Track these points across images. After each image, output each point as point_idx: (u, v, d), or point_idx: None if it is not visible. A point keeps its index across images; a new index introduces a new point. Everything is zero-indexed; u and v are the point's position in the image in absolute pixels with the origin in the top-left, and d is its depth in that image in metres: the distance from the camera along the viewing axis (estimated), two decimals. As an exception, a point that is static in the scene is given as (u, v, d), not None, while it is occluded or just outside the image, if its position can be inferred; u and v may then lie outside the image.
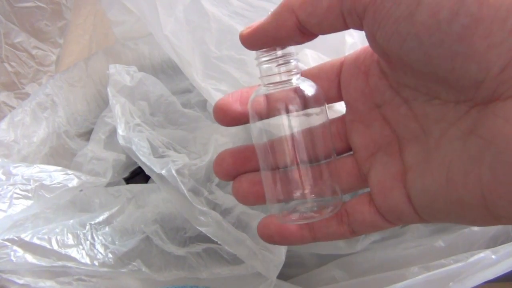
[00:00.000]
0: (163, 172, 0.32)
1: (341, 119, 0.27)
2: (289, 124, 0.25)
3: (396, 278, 0.33)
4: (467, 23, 0.17)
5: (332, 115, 0.27)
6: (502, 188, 0.18)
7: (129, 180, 0.48)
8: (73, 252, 0.31)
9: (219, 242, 0.31)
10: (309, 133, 0.25)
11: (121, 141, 0.35)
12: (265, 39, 0.24)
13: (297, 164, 0.25)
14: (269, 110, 0.25)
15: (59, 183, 0.34)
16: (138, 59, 0.53)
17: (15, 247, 0.30)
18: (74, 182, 0.34)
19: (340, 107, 0.29)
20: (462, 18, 0.17)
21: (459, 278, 0.29)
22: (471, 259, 0.30)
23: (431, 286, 0.29)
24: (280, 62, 0.24)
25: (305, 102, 0.24)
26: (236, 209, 0.34)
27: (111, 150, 0.43)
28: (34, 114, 0.44)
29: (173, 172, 0.32)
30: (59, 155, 0.45)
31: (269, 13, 0.23)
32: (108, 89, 0.38)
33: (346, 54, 0.28)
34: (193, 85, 0.37)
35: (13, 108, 0.47)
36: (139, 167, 0.47)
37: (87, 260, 0.31)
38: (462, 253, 0.33)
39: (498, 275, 0.29)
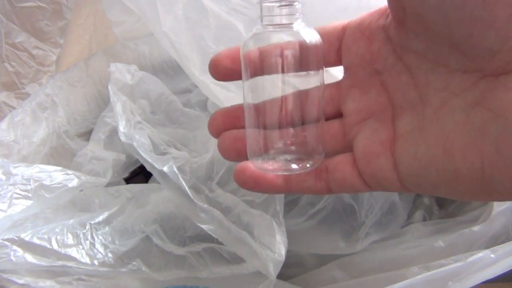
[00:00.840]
0: (165, 168, 0.32)
1: (336, 84, 0.27)
2: (283, 77, 0.24)
3: (396, 278, 0.33)
4: None
5: (327, 80, 0.26)
6: (504, 163, 0.18)
7: (129, 180, 0.48)
8: (73, 252, 0.31)
9: (219, 240, 0.32)
10: (302, 92, 0.24)
11: (122, 138, 0.35)
12: None
13: (284, 122, 0.24)
14: (264, 55, 0.24)
15: (59, 183, 0.34)
16: (138, 59, 0.53)
17: (15, 247, 0.30)
18: (74, 182, 0.35)
19: (335, 73, 0.28)
20: None
21: (459, 277, 0.29)
22: (470, 259, 0.30)
23: (431, 286, 0.30)
24: (284, 2, 0.23)
25: (304, 50, 0.23)
26: (236, 208, 0.34)
27: (111, 150, 0.43)
28: (34, 114, 0.44)
29: (175, 169, 0.32)
30: (59, 155, 0.45)
31: None
32: (109, 87, 0.38)
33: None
34: (192, 80, 0.37)
35: (13, 108, 0.47)
36: (139, 167, 0.47)
37: (87, 259, 0.31)
38: (462, 253, 0.33)
39: (497, 274, 0.29)
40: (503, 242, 0.34)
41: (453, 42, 0.20)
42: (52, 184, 0.34)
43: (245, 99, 0.25)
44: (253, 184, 0.26)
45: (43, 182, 0.34)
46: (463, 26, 0.18)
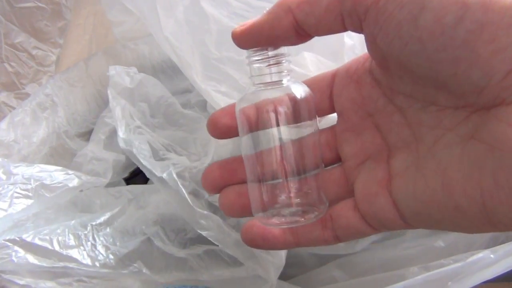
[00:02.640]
0: (164, 175, 0.32)
1: (331, 129, 0.27)
2: (278, 130, 0.25)
3: (396, 278, 0.33)
4: (472, 28, 0.17)
5: (322, 125, 0.27)
6: (503, 194, 0.18)
7: (129, 180, 0.48)
8: (74, 253, 0.31)
9: (220, 245, 0.32)
10: (298, 142, 0.25)
11: (121, 144, 0.35)
12: (258, 38, 0.23)
13: (284, 174, 0.25)
14: (258, 112, 0.24)
15: (59, 182, 0.34)
16: (138, 59, 0.53)
17: (16, 248, 0.30)
18: (74, 182, 0.35)
19: (331, 117, 0.29)
20: (467, 24, 0.17)
21: (458, 277, 0.29)
22: (470, 259, 0.30)
23: (430, 286, 0.30)
24: (272, 62, 0.24)
25: (295, 104, 0.24)
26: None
27: (111, 151, 0.43)
28: (34, 114, 0.44)
29: (174, 175, 0.32)
30: (59, 155, 0.45)
31: (264, 11, 0.23)
32: (109, 91, 0.38)
33: (345, 57, 0.28)
34: (194, 86, 0.37)
35: (13, 108, 0.47)
36: (139, 168, 0.47)
37: (88, 261, 0.31)
38: (462, 253, 0.33)
39: (497, 274, 0.29)
40: (503, 242, 0.34)
41: (439, 82, 0.20)
42: (53, 184, 0.34)
43: (244, 154, 0.25)
44: (262, 242, 0.26)
45: (44, 181, 0.34)
46: (447, 67, 0.19)
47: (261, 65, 0.24)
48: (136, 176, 0.49)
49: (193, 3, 0.35)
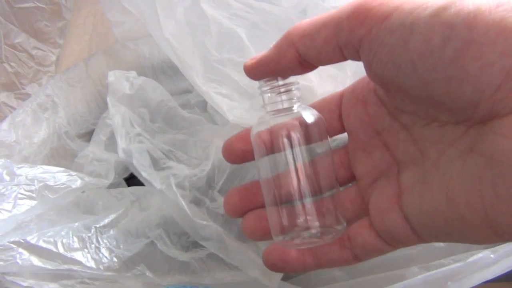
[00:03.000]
0: (164, 187, 0.33)
1: (344, 149, 0.28)
2: (292, 152, 0.26)
3: (396, 278, 0.33)
4: (459, 46, 0.18)
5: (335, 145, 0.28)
6: (504, 204, 0.18)
7: (129, 180, 0.48)
8: (78, 256, 0.31)
9: (220, 255, 0.32)
10: (313, 165, 0.26)
11: (121, 154, 0.35)
12: (267, 70, 0.25)
13: (301, 196, 0.26)
14: (272, 137, 0.26)
15: (62, 184, 0.34)
16: (137, 60, 0.53)
17: (20, 250, 0.30)
18: (77, 183, 0.35)
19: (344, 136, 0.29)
20: (454, 42, 0.18)
21: (458, 277, 0.30)
22: (470, 259, 0.30)
23: (430, 286, 0.30)
24: (282, 90, 0.25)
25: (307, 128, 0.25)
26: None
27: (112, 152, 0.43)
28: (35, 114, 0.44)
29: (173, 187, 0.33)
30: (60, 155, 0.45)
31: (271, 45, 0.25)
32: (108, 99, 0.38)
33: (346, 65, 0.29)
34: (195, 88, 0.37)
35: (13, 108, 0.47)
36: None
37: (92, 264, 0.31)
38: (462, 253, 0.33)
39: (497, 275, 0.29)
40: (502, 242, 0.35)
41: (434, 100, 0.20)
42: (56, 185, 0.34)
43: (261, 178, 0.27)
44: (282, 265, 0.27)
45: (47, 182, 0.34)
46: (440, 85, 0.19)
47: (272, 94, 0.26)
48: (137, 177, 0.49)
49: (193, 5, 0.35)
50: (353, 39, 0.21)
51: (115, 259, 0.32)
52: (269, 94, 0.26)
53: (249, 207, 0.28)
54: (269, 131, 0.26)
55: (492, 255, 0.30)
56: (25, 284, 0.30)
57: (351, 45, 0.22)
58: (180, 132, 0.42)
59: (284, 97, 0.26)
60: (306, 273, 0.39)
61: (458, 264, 0.30)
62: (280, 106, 0.26)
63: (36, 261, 0.30)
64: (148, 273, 0.32)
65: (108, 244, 0.33)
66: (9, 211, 0.32)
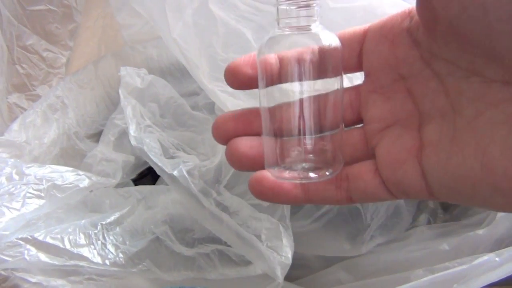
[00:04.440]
0: (175, 172, 0.33)
1: (355, 88, 0.25)
2: (301, 84, 0.23)
3: (401, 281, 0.33)
4: None
5: (346, 83, 0.25)
6: None
7: (137, 181, 0.49)
8: (85, 252, 0.32)
9: (228, 243, 0.32)
10: (320, 98, 0.24)
11: (133, 141, 0.35)
12: None
13: (302, 129, 0.24)
14: (282, 62, 0.23)
15: (70, 183, 0.35)
16: (146, 62, 0.54)
17: (28, 246, 0.31)
18: (85, 183, 0.35)
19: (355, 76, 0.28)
20: None
21: (463, 280, 0.29)
22: (475, 262, 0.30)
23: (435, 288, 0.30)
24: (301, 4, 0.22)
25: (322, 54, 0.22)
26: (244, 212, 0.34)
27: (120, 152, 0.43)
28: (45, 115, 0.45)
29: (184, 173, 0.33)
30: (69, 156, 0.46)
31: None
32: (120, 91, 0.39)
33: None
34: (201, 87, 0.37)
35: (24, 109, 0.48)
36: (147, 169, 0.48)
37: (98, 259, 0.32)
38: (467, 256, 0.33)
39: (502, 277, 0.29)
40: (508, 245, 0.34)
41: (494, 53, 0.18)
42: (64, 184, 0.34)
43: (262, 105, 0.24)
44: (271, 195, 0.25)
45: (55, 182, 0.34)
46: (508, 39, 0.17)
47: (290, 7, 0.22)
48: (144, 178, 0.49)
49: (202, 6, 0.36)
50: None
51: (121, 255, 0.33)
52: (285, 7, 0.22)
53: (241, 135, 0.25)
54: (279, 56, 0.23)
55: (497, 258, 0.30)
56: (33, 280, 0.30)
57: None
58: (189, 130, 0.42)
59: (302, 12, 0.22)
60: (311, 274, 0.40)
61: (463, 266, 0.30)
62: (296, 23, 0.22)
63: (43, 257, 0.31)
64: (153, 269, 0.32)
65: (114, 240, 0.34)
66: (18, 210, 0.32)
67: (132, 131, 0.36)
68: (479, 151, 0.19)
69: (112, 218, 0.35)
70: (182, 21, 0.36)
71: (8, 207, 0.32)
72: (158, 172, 0.35)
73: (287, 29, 0.23)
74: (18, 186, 0.33)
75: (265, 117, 0.24)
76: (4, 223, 0.31)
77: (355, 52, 0.24)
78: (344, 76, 0.25)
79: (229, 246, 0.34)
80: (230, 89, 0.35)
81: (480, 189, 0.20)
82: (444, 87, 0.22)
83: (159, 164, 0.34)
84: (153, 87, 0.42)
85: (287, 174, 0.24)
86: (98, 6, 0.54)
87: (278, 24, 0.23)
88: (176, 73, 0.54)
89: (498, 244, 0.36)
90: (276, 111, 0.24)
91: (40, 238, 0.31)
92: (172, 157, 0.37)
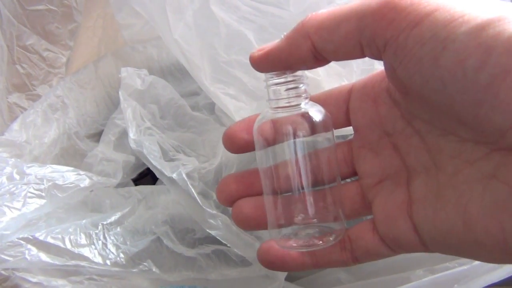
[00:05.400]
0: (174, 175, 0.33)
1: (348, 143, 0.27)
2: (295, 148, 0.24)
3: (401, 281, 0.33)
4: (496, 73, 0.16)
5: (338, 138, 0.27)
6: None
7: (137, 181, 0.49)
8: (86, 252, 0.32)
9: (228, 245, 0.32)
10: (315, 158, 0.25)
11: (132, 144, 0.35)
12: (277, 62, 0.23)
13: (301, 189, 0.24)
14: (276, 135, 0.24)
15: (71, 183, 0.35)
16: (146, 62, 0.54)
17: (29, 246, 0.31)
18: (86, 182, 0.35)
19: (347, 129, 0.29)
20: (490, 68, 0.17)
21: (464, 280, 0.30)
22: (476, 262, 0.30)
23: (436, 289, 0.30)
24: (290, 86, 0.24)
25: (313, 128, 0.24)
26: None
27: (120, 152, 0.43)
28: (45, 115, 0.45)
29: (184, 175, 0.33)
30: (70, 155, 0.46)
31: (282, 36, 0.23)
32: (120, 93, 0.39)
33: (353, 63, 0.28)
34: (202, 89, 0.37)
35: (24, 109, 0.48)
36: (147, 169, 0.48)
37: (99, 259, 0.32)
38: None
39: (502, 278, 0.29)
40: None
41: (460, 119, 0.19)
42: (65, 184, 0.34)
43: (261, 168, 0.25)
44: (280, 264, 0.26)
45: (56, 181, 0.34)
46: (468, 108, 0.18)
47: (279, 88, 0.24)
48: (145, 177, 0.49)
49: (203, 7, 0.36)
50: (378, 40, 0.20)
51: (121, 255, 0.33)
52: (276, 88, 0.24)
53: (244, 196, 0.26)
54: (273, 125, 0.24)
55: (498, 258, 0.30)
56: (34, 280, 0.30)
57: (374, 46, 0.20)
58: (189, 131, 0.42)
59: (291, 92, 0.24)
60: (311, 274, 0.40)
61: (464, 267, 0.30)
62: (286, 103, 0.24)
63: (44, 257, 0.31)
64: (154, 269, 0.32)
65: (115, 240, 0.34)
66: (19, 210, 0.32)
67: (131, 134, 0.36)
68: (460, 208, 0.20)
69: (113, 218, 0.35)
70: (183, 22, 0.36)
71: (9, 207, 0.32)
72: (157, 175, 0.35)
73: (279, 109, 0.24)
74: (19, 186, 0.33)
75: (264, 178, 0.25)
76: (5, 222, 0.31)
77: (342, 110, 0.26)
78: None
79: (229, 246, 0.34)
80: (232, 91, 0.35)
81: (465, 245, 0.20)
82: (425, 144, 0.23)
83: (158, 167, 0.34)
84: (153, 88, 0.42)
85: (292, 243, 0.25)
86: (98, 6, 0.54)
87: (270, 104, 0.25)
88: (176, 73, 0.54)
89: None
90: (274, 171, 0.25)
91: (41, 238, 0.31)
92: (171, 160, 0.37)
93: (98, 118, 0.50)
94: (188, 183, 0.33)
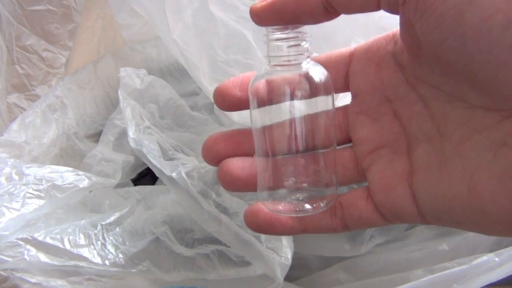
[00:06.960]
0: (174, 174, 0.33)
1: (343, 109, 0.25)
2: (292, 110, 0.23)
3: (400, 281, 0.33)
4: None
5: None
6: None
7: (136, 181, 0.49)
8: (85, 252, 0.32)
9: (227, 244, 0.32)
10: (312, 122, 0.24)
11: (132, 143, 0.35)
12: (282, 14, 0.21)
13: (295, 152, 0.23)
14: (273, 94, 0.23)
15: (70, 183, 0.35)
16: (145, 62, 0.54)
17: (28, 246, 0.31)
18: (84, 183, 0.35)
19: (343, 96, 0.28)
20: None
21: (463, 280, 0.30)
22: (475, 262, 0.30)
23: (435, 288, 0.30)
24: (292, 42, 0.22)
25: (313, 89, 0.22)
26: (243, 212, 0.34)
27: (119, 152, 0.44)
28: (44, 115, 0.45)
29: (183, 174, 0.33)
30: (69, 156, 0.46)
31: None
32: (119, 92, 0.38)
33: None
34: (201, 88, 0.37)
35: (24, 109, 0.48)
36: (146, 169, 0.48)
37: (98, 260, 0.32)
38: (466, 256, 0.33)
39: (501, 278, 0.29)
40: (507, 245, 0.34)
41: (475, 82, 0.18)
42: (64, 185, 0.34)
43: (254, 126, 0.24)
44: (268, 228, 0.25)
45: (55, 182, 0.34)
46: (489, 69, 0.17)
47: (280, 44, 0.22)
48: (144, 178, 0.49)
49: (202, 7, 0.36)
50: None
51: (120, 255, 0.33)
52: (277, 44, 0.22)
53: (231, 156, 0.25)
54: (270, 84, 0.23)
55: (496, 258, 0.30)
56: (33, 280, 0.30)
57: None
58: (188, 130, 0.42)
59: (293, 50, 0.22)
60: (310, 274, 0.40)
61: (463, 266, 0.30)
62: (287, 61, 0.22)
63: (43, 257, 0.31)
64: (153, 269, 0.32)
65: (114, 240, 0.33)
66: (18, 210, 0.32)
67: (131, 133, 0.36)
68: (466, 176, 0.20)
69: (112, 218, 0.35)
70: (182, 22, 0.36)
71: (8, 207, 0.32)
72: (157, 174, 0.35)
73: (278, 66, 0.23)
74: (18, 186, 0.33)
75: (257, 137, 0.24)
76: (4, 223, 0.31)
77: (342, 73, 0.24)
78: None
79: (228, 246, 0.34)
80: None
81: (468, 214, 0.20)
82: (429, 111, 0.22)
83: (158, 166, 0.34)
84: (152, 88, 0.42)
85: (281, 207, 0.24)
86: (97, 6, 0.54)
87: (269, 61, 0.23)
88: (175, 73, 0.54)
89: (497, 244, 0.36)
90: (268, 131, 0.24)
91: (40, 238, 0.31)
92: (171, 159, 0.37)
93: (97, 118, 0.50)
94: (188, 182, 0.33)
